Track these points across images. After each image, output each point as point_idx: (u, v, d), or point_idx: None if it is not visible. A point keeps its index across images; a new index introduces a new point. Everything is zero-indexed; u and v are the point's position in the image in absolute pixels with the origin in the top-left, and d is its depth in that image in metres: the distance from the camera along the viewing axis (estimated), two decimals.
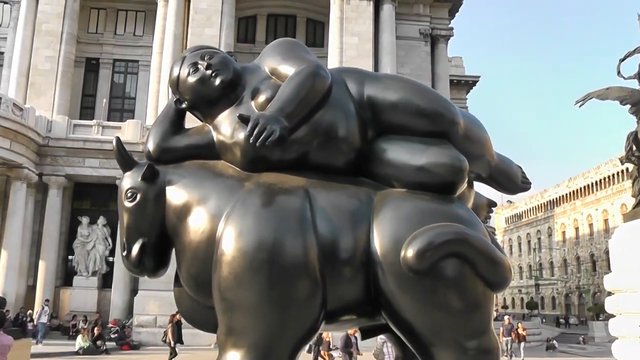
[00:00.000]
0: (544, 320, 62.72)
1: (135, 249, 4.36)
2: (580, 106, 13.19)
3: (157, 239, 4.39)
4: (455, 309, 3.96)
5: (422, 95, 4.45)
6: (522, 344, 26.86)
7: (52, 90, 31.66)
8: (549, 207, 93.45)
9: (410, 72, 31.73)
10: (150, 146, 4.55)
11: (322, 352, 17.81)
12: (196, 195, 4.28)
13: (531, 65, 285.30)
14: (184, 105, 4.60)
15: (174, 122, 4.61)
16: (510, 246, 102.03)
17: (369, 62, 27.58)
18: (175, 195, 4.35)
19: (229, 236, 4.01)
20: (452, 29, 37.98)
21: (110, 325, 26.82)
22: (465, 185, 4.39)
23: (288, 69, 4.36)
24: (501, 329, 25.00)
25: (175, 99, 4.65)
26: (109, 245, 29.94)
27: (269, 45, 4.80)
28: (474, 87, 49.83)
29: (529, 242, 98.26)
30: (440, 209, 4.16)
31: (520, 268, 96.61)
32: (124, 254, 4.47)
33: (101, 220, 30.14)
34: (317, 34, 37.83)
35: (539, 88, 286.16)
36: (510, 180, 4.91)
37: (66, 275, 30.56)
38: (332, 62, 27.89)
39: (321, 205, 4.11)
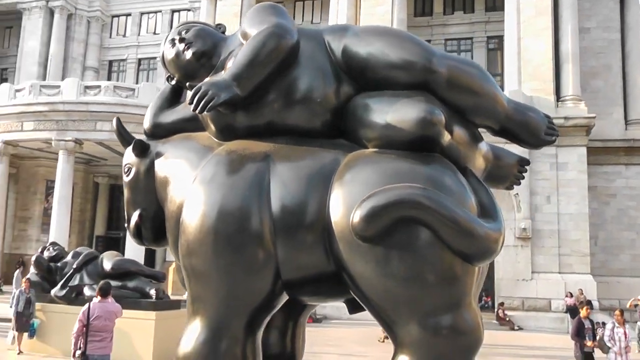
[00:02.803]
0: None
1: (133, 220, 4.58)
2: None
3: (153, 210, 4.54)
4: (413, 281, 3.49)
5: (396, 45, 3.98)
6: None
7: None
8: None
9: (597, 25, 28.36)
10: (145, 123, 4.74)
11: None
12: (174, 167, 4.37)
13: None
14: (173, 82, 4.69)
15: (168, 99, 4.74)
16: None
17: (547, 20, 25.21)
18: (161, 167, 4.48)
19: (187, 204, 4.03)
20: None
21: None
22: (446, 139, 3.81)
23: (253, 33, 4.21)
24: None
25: (167, 76, 4.77)
26: None
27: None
28: None
29: None
30: (406, 169, 3.67)
31: None
32: (126, 225, 4.71)
33: None
34: None
35: None
36: (531, 132, 4.15)
37: None
38: (510, 22, 26.03)
39: (280, 171, 3.90)
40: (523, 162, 4.62)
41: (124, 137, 4.73)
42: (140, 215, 4.56)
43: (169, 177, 4.37)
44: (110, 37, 38.92)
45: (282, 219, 3.78)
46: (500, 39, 28.98)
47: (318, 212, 3.73)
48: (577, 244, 23.50)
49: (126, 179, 4.65)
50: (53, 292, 13.57)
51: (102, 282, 8.75)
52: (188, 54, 4.42)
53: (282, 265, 3.80)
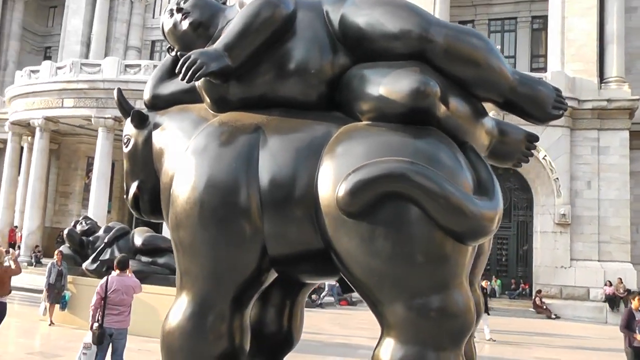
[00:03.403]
0: None
1: (131, 191, 4.54)
2: None
3: (151, 182, 4.48)
4: (398, 259, 3.32)
5: (393, 14, 3.78)
6: None
7: None
8: None
9: None
10: (144, 94, 4.68)
11: None
12: (169, 138, 4.31)
13: None
14: (173, 53, 4.61)
15: (168, 70, 4.66)
16: None
17: None
18: (157, 138, 4.42)
19: (177, 175, 3.96)
20: None
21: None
22: (442, 112, 3.60)
23: (248, 2, 4.07)
24: None
25: (167, 47, 4.71)
26: None
27: None
28: None
29: None
30: (396, 142, 3.48)
31: None
32: (125, 196, 4.67)
33: None
34: None
35: None
36: (537, 105, 3.89)
37: None
38: (555, 1, 25.05)
39: (270, 143, 3.77)
40: (531, 138, 4.37)
41: (124, 108, 4.68)
42: (138, 187, 4.51)
43: (164, 149, 4.30)
44: (153, 17, 39.25)
45: (270, 192, 3.65)
46: (544, 18, 28.00)
47: (307, 186, 3.59)
48: (617, 231, 22.72)
49: (125, 150, 4.61)
50: (84, 265, 13.84)
51: (120, 255, 8.82)
52: (185, 24, 4.34)
53: (269, 240, 3.69)
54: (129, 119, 4.60)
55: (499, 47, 29.28)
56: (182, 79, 3.69)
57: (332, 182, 3.46)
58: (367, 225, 3.33)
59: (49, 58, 36.00)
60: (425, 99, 3.52)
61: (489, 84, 3.79)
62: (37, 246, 26.41)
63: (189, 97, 4.42)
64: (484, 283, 16.50)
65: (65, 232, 15.23)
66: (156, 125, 4.44)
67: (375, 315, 3.54)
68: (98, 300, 7.82)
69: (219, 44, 3.84)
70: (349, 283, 3.68)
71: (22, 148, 29.80)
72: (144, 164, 4.48)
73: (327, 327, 15.90)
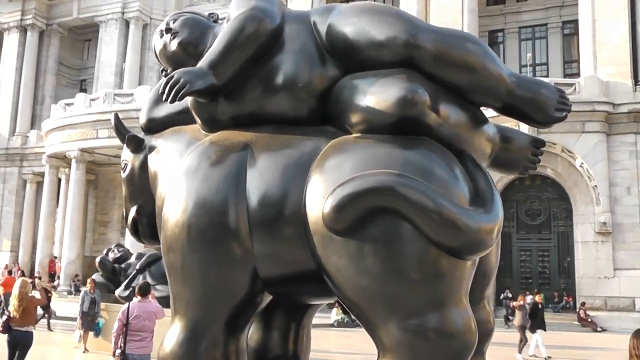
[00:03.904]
0: None
1: (130, 216, 4.49)
2: None
3: (149, 207, 4.41)
4: (389, 277, 3.15)
5: (378, 21, 3.67)
6: None
7: None
8: None
9: None
10: (140, 118, 4.65)
11: None
12: (163, 160, 4.26)
13: None
14: (164, 74, 4.57)
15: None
16: None
17: None
18: (152, 162, 4.39)
19: (166, 199, 3.89)
20: None
21: None
22: (433, 120, 3.45)
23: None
24: None
25: (160, 69, 4.67)
26: None
27: None
28: None
29: None
30: (383, 154, 3.34)
31: None
32: (125, 221, 4.63)
33: None
34: None
35: None
36: (538, 107, 3.69)
37: None
38: (584, 4, 24.48)
39: (258, 161, 3.66)
40: (537, 144, 4.14)
41: (121, 132, 4.65)
42: (137, 212, 4.46)
43: (157, 171, 4.26)
44: None
45: (258, 211, 3.53)
46: (575, 23, 27.42)
47: (295, 203, 3.46)
48: None
49: (123, 175, 4.58)
50: (117, 292, 13.93)
51: (142, 282, 8.83)
52: (174, 44, 4.29)
53: (259, 261, 3.56)
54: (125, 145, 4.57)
55: (529, 55, 28.93)
56: (166, 100, 3.63)
57: (319, 199, 3.32)
58: (355, 242, 3.18)
59: (85, 90, 36.89)
60: (413, 108, 3.37)
61: (485, 88, 3.62)
62: (76, 275, 26.85)
63: (183, 118, 4.36)
64: (537, 297, 15.98)
65: (98, 260, 15.43)
66: (151, 149, 4.41)
67: (371, 337, 3.36)
68: (120, 327, 7.82)
69: (203, 62, 3.77)
70: (342, 304, 3.53)
71: (59, 180, 30.49)
72: (142, 188, 4.43)
73: (368, 348, 15.57)
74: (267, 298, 3.80)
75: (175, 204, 3.74)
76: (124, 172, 4.57)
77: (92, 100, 27.63)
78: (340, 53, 3.78)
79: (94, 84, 37.14)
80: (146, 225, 4.46)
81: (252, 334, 4.31)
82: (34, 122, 36.66)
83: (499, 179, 23.49)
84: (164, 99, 3.66)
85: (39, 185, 33.32)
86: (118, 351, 7.72)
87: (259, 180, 3.59)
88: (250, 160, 3.68)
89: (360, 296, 3.26)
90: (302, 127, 3.84)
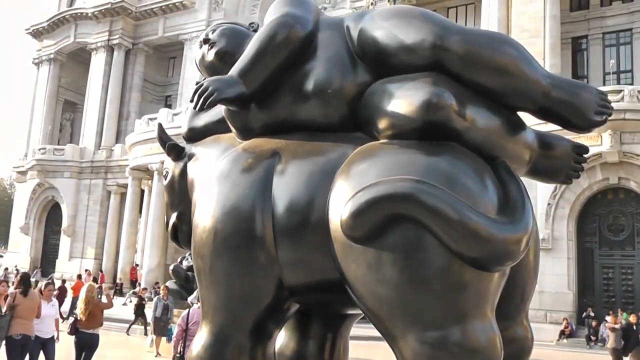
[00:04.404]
0: None
1: (171, 222, 4.59)
2: None
3: (188, 213, 4.49)
4: (408, 287, 3.02)
5: (405, 25, 3.57)
6: None
7: None
8: None
9: None
10: (182, 128, 4.76)
11: None
12: (200, 168, 4.32)
13: None
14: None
15: None
16: None
17: None
18: (190, 169, 4.46)
19: (197, 205, 3.95)
20: None
21: None
22: (460, 125, 3.32)
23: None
24: None
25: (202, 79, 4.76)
26: None
27: None
28: None
29: None
30: (406, 160, 3.22)
31: None
32: (166, 227, 4.75)
33: None
34: None
35: None
36: (577, 111, 3.46)
37: None
38: None
39: (285, 168, 3.64)
40: (580, 150, 3.89)
41: (164, 142, 4.77)
42: (177, 218, 4.55)
43: (194, 178, 4.32)
44: None
45: (284, 218, 3.50)
46: None
47: (320, 211, 3.39)
48: None
49: (164, 182, 4.69)
50: (190, 299, 14.35)
51: None
52: (211, 55, 4.36)
53: (284, 268, 3.53)
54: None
55: (612, 61, 27.58)
56: (195, 108, 3.69)
57: (338, 206, 3.26)
58: (374, 250, 3.08)
59: (169, 106, 38.41)
60: (438, 112, 3.25)
61: (518, 90, 3.44)
62: (157, 283, 27.80)
63: (222, 127, 4.41)
64: (631, 318, 15.11)
65: (171, 267, 15.96)
66: (191, 157, 4.49)
67: (391, 349, 3.26)
68: (179, 332, 8.05)
69: (233, 70, 3.80)
70: (364, 314, 3.45)
71: (142, 191, 31.77)
72: (181, 195, 4.52)
73: None
74: (295, 306, 3.78)
75: (204, 210, 3.79)
76: (165, 179, 4.68)
77: (175, 115, 28.68)
78: (371, 58, 3.72)
79: (178, 100, 38.60)
80: (185, 232, 4.53)
81: (287, 342, 4.30)
82: (119, 137, 38.53)
83: (581, 191, 22.52)
84: (193, 107, 3.73)
85: (122, 196, 34.91)
86: (177, 356, 7.94)
87: (285, 187, 3.57)
88: (278, 167, 3.67)
89: (379, 306, 3.16)
90: (332, 134, 3.81)
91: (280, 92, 3.85)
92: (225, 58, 4.31)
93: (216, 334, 3.67)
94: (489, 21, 31.57)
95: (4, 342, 8.08)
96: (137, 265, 30.96)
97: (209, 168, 4.15)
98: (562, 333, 21.36)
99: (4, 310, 8.00)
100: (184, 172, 4.51)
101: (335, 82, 3.74)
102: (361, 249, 3.13)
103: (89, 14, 40.35)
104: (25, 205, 40.10)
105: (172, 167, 4.61)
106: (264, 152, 3.80)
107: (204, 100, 3.64)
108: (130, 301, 23.92)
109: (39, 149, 39.18)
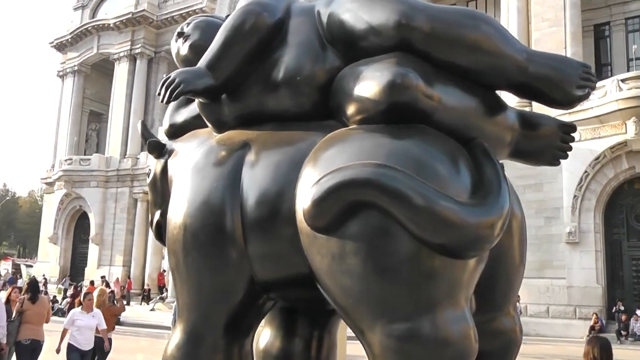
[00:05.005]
0: None
1: (154, 221, 4.51)
2: None
3: None
4: (373, 278, 2.87)
5: (372, 4, 3.40)
6: None
7: None
8: None
9: None
10: (163, 125, 4.71)
11: None
12: (177, 163, 4.24)
13: None
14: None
15: (184, 99, 4.61)
16: None
17: None
18: (170, 167, 4.38)
19: (170, 201, 3.88)
20: None
21: None
22: (428, 105, 3.15)
23: None
24: None
25: None
26: None
27: None
28: None
29: None
30: (373, 144, 3.07)
31: None
32: (150, 226, 4.67)
33: None
34: None
35: None
36: (557, 85, 3.27)
37: None
38: None
39: (255, 160, 3.53)
40: (567, 129, 3.67)
41: (147, 139, 4.71)
42: (161, 215, 4.48)
43: (173, 174, 4.24)
44: None
45: (252, 211, 3.38)
46: None
47: (288, 202, 3.25)
48: None
49: (148, 180, 4.62)
50: None
51: None
52: (185, 48, 4.28)
53: (254, 263, 3.41)
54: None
55: (635, 46, 26.82)
56: (162, 100, 3.61)
57: (305, 195, 3.14)
58: (337, 240, 2.94)
59: None
60: (403, 92, 3.09)
61: (492, 68, 3.26)
62: None
63: (201, 122, 4.32)
64: None
65: None
66: (170, 153, 4.41)
67: (362, 345, 3.10)
68: None
69: (201, 62, 3.72)
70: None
71: None
72: (163, 193, 4.44)
73: None
74: (269, 302, 3.66)
75: (174, 205, 3.71)
76: (148, 177, 4.61)
77: None
78: (340, 43, 3.58)
79: None
80: None
81: (273, 341, 4.18)
82: (144, 145, 38.82)
83: (607, 182, 21.93)
84: (160, 100, 3.65)
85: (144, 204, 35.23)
86: None
87: (254, 178, 3.45)
88: (248, 158, 3.55)
89: (345, 299, 3.00)
90: (303, 122, 3.68)
91: (250, 82, 3.75)
92: (199, 51, 4.21)
93: (189, 333, 3.57)
94: (508, 11, 31.01)
95: (14, 347, 8.19)
96: (164, 271, 31.18)
97: (185, 163, 4.07)
98: (592, 328, 20.76)
99: (13, 315, 8.08)
100: (165, 169, 4.43)
101: (305, 69, 3.62)
102: (325, 239, 2.99)
103: (111, 25, 40.93)
104: (53, 215, 40.81)
105: (154, 164, 4.54)
106: (235, 144, 3.69)
107: (171, 92, 3.55)
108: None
109: (65, 160, 39.85)
